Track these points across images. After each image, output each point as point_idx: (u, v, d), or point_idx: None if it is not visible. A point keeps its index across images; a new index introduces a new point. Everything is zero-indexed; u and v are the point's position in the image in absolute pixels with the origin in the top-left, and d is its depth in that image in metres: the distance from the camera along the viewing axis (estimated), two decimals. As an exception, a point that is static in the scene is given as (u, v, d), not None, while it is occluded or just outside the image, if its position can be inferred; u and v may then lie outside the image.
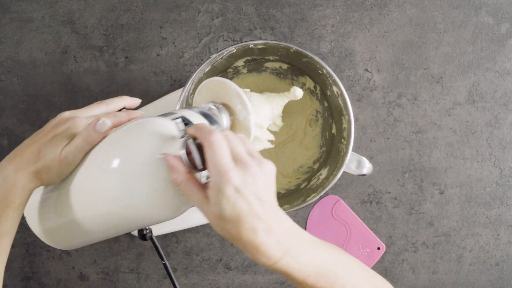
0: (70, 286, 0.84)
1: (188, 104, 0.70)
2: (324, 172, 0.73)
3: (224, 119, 0.59)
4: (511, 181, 0.82)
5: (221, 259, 0.83)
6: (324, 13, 0.83)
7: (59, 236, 0.53)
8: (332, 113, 0.74)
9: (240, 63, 0.73)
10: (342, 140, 0.71)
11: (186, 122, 0.50)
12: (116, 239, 0.83)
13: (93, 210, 0.48)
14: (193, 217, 0.80)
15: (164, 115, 0.52)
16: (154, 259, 0.83)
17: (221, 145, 0.45)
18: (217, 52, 0.67)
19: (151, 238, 0.54)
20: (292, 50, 0.68)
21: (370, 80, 0.82)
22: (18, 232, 0.84)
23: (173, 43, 0.83)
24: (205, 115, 0.53)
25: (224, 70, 0.74)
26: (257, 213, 0.45)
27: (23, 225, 0.83)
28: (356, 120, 0.82)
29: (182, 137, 0.46)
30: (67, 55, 0.84)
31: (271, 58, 0.73)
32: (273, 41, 0.67)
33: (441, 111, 0.82)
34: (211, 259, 0.83)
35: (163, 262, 0.55)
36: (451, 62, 0.83)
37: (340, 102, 0.69)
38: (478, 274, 0.83)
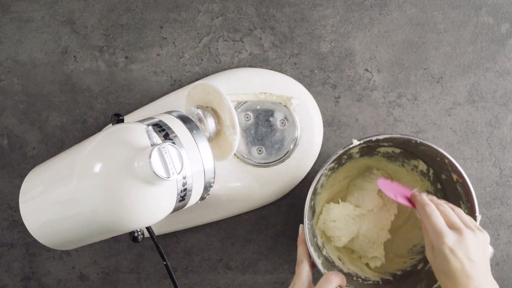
0: (70, 286, 0.84)
1: None
2: None
3: (210, 124, 0.59)
4: (511, 181, 0.82)
5: (221, 259, 0.83)
6: (324, 13, 0.83)
7: (52, 237, 0.53)
8: (445, 196, 0.72)
9: (355, 150, 0.73)
10: None
11: (163, 127, 0.51)
12: (116, 239, 0.83)
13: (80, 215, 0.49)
14: (193, 217, 0.80)
15: (145, 119, 0.53)
16: (154, 259, 0.83)
17: (435, 214, 0.60)
18: (342, 149, 0.66)
19: (153, 239, 0.55)
20: (414, 142, 0.67)
21: (370, 80, 0.82)
22: (18, 232, 0.84)
23: (173, 43, 0.83)
24: (184, 120, 0.54)
25: (339, 158, 0.72)
26: (467, 272, 0.56)
27: (23, 225, 0.83)
28: (356, 120, 0.82)
29: (152, 145, 0.46)
30: (67, 55, 0.84)
31: (385, 144, 0.72)
32: (399, 135, 0.66)
33: (441, 111, 0.82)
34: (211, 259, 0.83)
35: (165, 263, 0.55)
36: (451, 62, 0.82)
37: (459, 188, 0.68)
38: (478, 274, 0.82)
